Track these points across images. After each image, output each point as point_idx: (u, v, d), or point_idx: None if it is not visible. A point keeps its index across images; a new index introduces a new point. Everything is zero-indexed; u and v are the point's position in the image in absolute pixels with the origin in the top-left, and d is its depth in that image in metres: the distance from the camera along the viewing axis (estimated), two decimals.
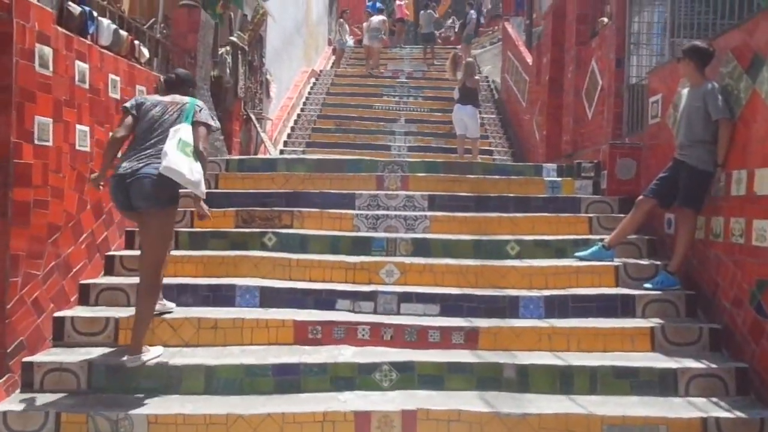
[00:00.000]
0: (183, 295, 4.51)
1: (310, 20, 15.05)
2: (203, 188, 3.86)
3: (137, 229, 4.43)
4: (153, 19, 6.49)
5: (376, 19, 15.25)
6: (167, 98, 4.04)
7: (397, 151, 10.58)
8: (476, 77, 9.44)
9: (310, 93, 13.20)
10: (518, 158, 10.56)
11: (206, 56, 7.39)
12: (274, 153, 9.42)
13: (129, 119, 3.93)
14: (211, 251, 5.03)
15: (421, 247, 5.13)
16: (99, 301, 4.48)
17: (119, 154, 4.04)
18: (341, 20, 15.91)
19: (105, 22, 5.14)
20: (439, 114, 11.89)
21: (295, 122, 11.77)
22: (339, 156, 9.06)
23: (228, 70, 8.37)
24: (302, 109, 12.35)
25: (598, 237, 5.22)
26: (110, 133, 4.29)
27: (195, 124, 3.88)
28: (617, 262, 4.90)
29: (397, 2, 20.10)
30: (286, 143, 10.93)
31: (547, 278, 4.76)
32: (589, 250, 4.99)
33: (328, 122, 11.68)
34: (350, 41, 17.00)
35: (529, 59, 11.11)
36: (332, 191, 5.93)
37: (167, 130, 3.82)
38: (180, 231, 5.21)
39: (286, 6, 12.11)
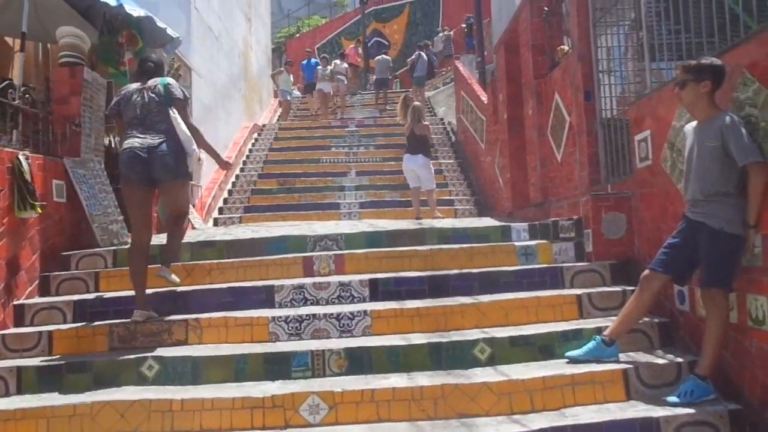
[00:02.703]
0: None
1: (250, 73, 13.79)
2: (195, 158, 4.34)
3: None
4: (6, 82, 5.04)
5: (341, 63, 14.82)
6: (140, 84, 4.39)
7: (347, 209, 9.20)
8: (425, 123, 8.17)
9: (251, 150, 11.81)
10: (482, 207, 9.25)
11: (95, 122, 5.95)
12: (200, 226, 7.93)
13: (116, 119, 4.47)
14: (63, 396, 3.49)
15: (359, 360, 3.66)
16: None
17: None
18: (281, 69, 14.71)
19: None
20: (393, 163, 10.56)
21: (233, 184, 10.33)
22: (275, 223, 7.69)
23: None
24: (242, 169, 10.93)
25: (593, 325, 3.83)
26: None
27: (175, 103, 4.29)
28: (624, 361, 3.51)
29: (349, 48, 19.10)
30: (221, 209, 9.46)
31: (533, 397, 3.32)
32: (585, 348, 3.59)
33: (270, 182, 10.27)
34: (295, 91, 15.79)
35: (484, 97, 9.94)
36: (245, 284, 4.47)
37: (152, 111, 4.23)
38: (25, 366, 3.68)
39: (216, 60, 10.80)
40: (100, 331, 3.98)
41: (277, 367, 3.64)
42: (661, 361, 3.50)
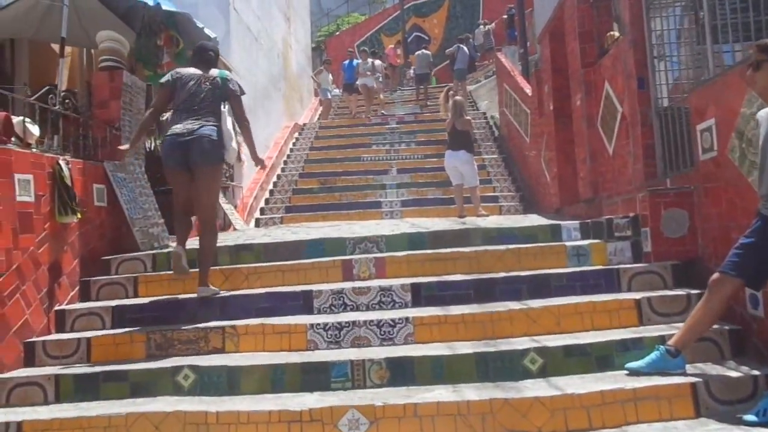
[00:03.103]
0: None
1: (290, 73, 13.73)
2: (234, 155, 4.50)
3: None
4: (46, 87, 5.02)
5: (378, 62, 14.38)
6: (200, 72, 4.40)
7: (388, 208, 8.99)
8: (467, 117, 7.87)
9: (292, 149, 11.73)
10: (528, 203, 8.89)
11: (135, 125, 5.91)
12: (241, 227, 7.86)
13: (166, 92, 4.37)
14: (99, 405, 3.39)
15: (402, 371, 3.45)
16: None
17: None
18: (321, 68, 14.58)
19: None
20: (435, 159, 10.30)
21: (275, 184, 10.26)
22: (316, 224, 7.56)
23: None
24: (282, 169, 10.86)
25: (654, 333, 3.51)
26: (149, 110, 4.57)
27: (232, 98, 4.37)
28: (691, 374, 3.19)
29: (388, 48, 18.88)
30: (263, 210, 9.39)
31: (591, 414, 3.04)
32: (647, 359, 3.28)
33: (311, 181, 10.15)
34: (336, 90, 15.65)
35: (528, 89, 9.55)
36: (283, 289, 4.32)
37: (205, 101, 4.26)
38: (63, 374, 3.62)
39: (255, 60, 10.75)
40: (138, 338, 3.89)
41: (315, 377, 3.47)
42: (734, 373, 3.16)
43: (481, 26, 19.56)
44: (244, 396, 3.42)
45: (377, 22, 25.08)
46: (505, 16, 18.51)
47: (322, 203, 9.26)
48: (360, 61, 14.53)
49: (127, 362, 3.76)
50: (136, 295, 4.56)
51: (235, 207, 8.58)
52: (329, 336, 3.81)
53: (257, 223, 8.86)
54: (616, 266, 4.28)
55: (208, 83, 4.33)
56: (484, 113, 13.14)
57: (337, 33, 26.49)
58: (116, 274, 4.85)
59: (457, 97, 8.04)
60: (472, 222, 6.18)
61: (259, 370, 3.50)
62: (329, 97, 14.52)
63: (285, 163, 11.11)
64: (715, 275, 3.19)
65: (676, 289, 3.97)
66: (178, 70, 4.51)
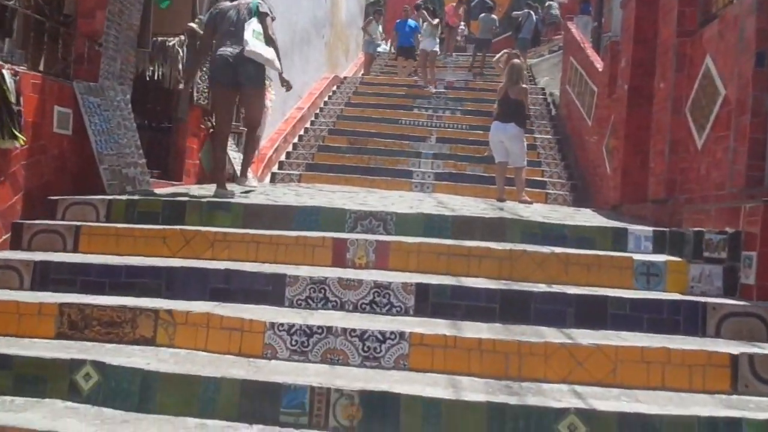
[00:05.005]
0: None
1: (338, 20, 12.50)
2: (278, 64, 4.82)
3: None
4: None
5: (436, 21, 12.28)
6: (236, 2, 4.83)
7: (419, 179, 7.84)
8: (524, 85, 6.58)
9: (326, 103, 10.61)
10: (580, 195, 7.61)
11: (124, 43, 4.89)
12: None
13: (210, 28, 4.84)
14: None
15: (381, 413, 2.37)
16: None
17: None
18: (371, 18, 13.18)
19: None
20: (481, 132, 9.01)
21: (300, 138, 9.19)
22: (336, 186, 6.53)
23: (181, 67, 5.87)
24: (312, 122, 9.77)
25: (760, 413, 2.33)
26: (199, 47, 5.09)
27: (261, 16, 4.74)
28: None
29: (449, 6, 17.21)
30: (282, 164, 8.36)
31: None
32: None
33: (340, 139, 9.03)
34: (383, 45, 14.26)
35: (599, 64, 8.16)
36: (251, 267, 3.25)
37: (244, 24, 4.66)
38: None
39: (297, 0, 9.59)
40: (48, 310, 2.90)
41: (259, 404, 2.42)
42: None
43: (554, 2, 17.77)
44: (157, 416, 2.40)
45: None
46: None
47: (347, 165, 8.16)
48: (420, 21, 12.62)
49: (24, 341, 2.79)
50: (75, 249, 3.58)
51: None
52: (294, 342, 2.75)
53: (272, 179, 7.84)
54: (699, 298, 3.07)
55: (244, 10, 4.76)
56: (543, 89, 11.71)
57: None
58: (62, 219, 3.88)
59: (516, 61, 6.74)
60: (512, 210, 4.98)
61: (184, 383, 2.47)
62: (374, 51, 13.18)
63: (316, 116, 10.01)
64: None
65: None
66: (217, 5, 4.95)
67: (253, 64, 4.62)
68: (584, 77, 8.84)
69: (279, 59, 4.81)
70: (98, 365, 2.54)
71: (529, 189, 6.91)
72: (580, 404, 2.37)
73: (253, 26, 4.63)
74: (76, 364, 2.55)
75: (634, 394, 2.51)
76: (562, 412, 2.32)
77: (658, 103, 5.58)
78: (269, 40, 4.72)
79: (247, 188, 5.31)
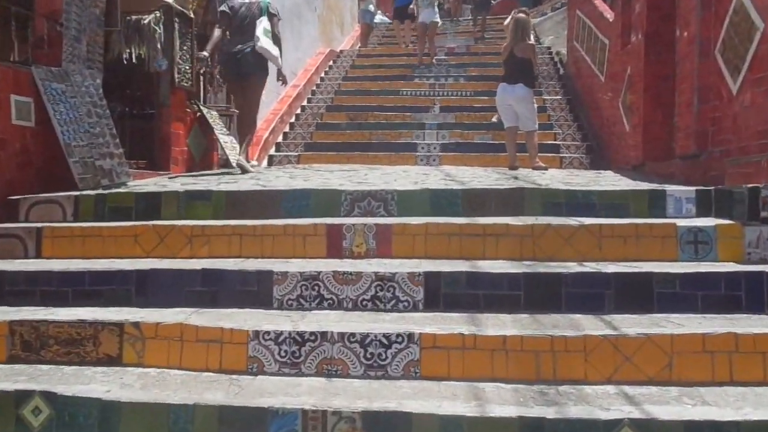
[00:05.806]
0: None
1: None
2: (281, 62, 5.32)
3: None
4: None
5: None
6: (247, 0, 5.18)
7: (425, 151, 7.32)
8: (530, 42, 6.00)
9: (322, 78, 10.04)
10: (597, 156, 7.06)
11: (89, 22, 4.37)
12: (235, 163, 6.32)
13: (227, 17, 5.15)
14: None
15: None
16: None
17: None
18: None
19: None
20: (486, 98, 8.44)
21: (297, 117, 8.67)
22: (335, 166, 6.06)
23: (159, 47, 5.36)
24: (309, 100, 9.22)
25: None
26: (216, 30, 5.24)
27: (270, 16, 5.21)
28: None
29: None
30: (279, 146, 7.86)
31: None
32: None
33: (339, 116, 8.50)
34: (380, 16, 13.57)
35: (610, 14, 7.52)
36: (232, 264, 2.79)
37: (254, 22, 5.07)
38: None
39: None
40: None
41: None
42: None
43: None
44: None
45: None
46: None
47: (347, 142, 7.64)
48: None
49: None
50: (38, 255, 3.13)
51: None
52: (283, 353, 2.29)
53: (270, 162, 7.35)
54: (761, 267, 2.56)
55: (255, 9, 5.12)
56: (549, 48, 11.05)
57: None
58: (25, 220, 3.43)
59: (520, 15, 6.14)
60: (528, 178, 4.47)
61: (150, 413, 2.03)
62: (370, 21, 12.51)
63: (312, 93, 9.46)
64: None
65: None
66: (228, 1, 5.21)
67: (255, 55, 5.00)
68: (593, 30, 8.19)
69: (281, 57, 5.30)
70: (49, 396, 2.10)
71: (542, 154, 6.36)
72: (635, 412, 1.90)
73: (264, 24, 5.07)
74: (22, 397, 2.12)
75: (698, 394, 2.04)
76: (614, 425, 1.86)
77: (681, 48, 5.00)
78: (276, 39, 5.20)
79: (248, 168, 5.19)
